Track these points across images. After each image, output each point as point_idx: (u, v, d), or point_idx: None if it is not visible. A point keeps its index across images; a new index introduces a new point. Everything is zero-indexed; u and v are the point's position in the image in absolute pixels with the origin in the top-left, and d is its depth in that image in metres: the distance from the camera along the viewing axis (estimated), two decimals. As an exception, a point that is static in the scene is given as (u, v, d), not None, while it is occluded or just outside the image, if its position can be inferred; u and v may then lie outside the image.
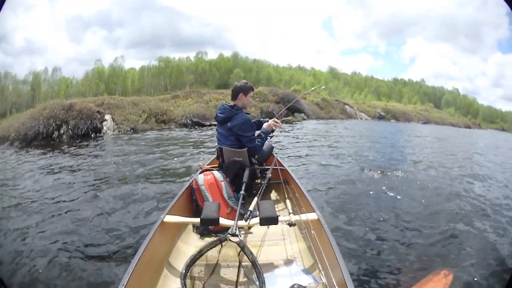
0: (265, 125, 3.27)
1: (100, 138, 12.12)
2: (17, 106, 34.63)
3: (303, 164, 6.74)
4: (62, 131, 12.14)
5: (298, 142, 10.62)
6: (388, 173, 6.08)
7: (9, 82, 42.07)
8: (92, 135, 12.40)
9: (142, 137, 11.77)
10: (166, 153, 8.04)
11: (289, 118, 20.31)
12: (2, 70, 42.07)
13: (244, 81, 3.07)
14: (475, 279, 2.57)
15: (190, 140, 10.80)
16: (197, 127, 15.00)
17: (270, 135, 3.37)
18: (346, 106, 33.21)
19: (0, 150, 10.70)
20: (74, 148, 9.76)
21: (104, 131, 12.98)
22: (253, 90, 3.06)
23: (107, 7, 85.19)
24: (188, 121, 15.65)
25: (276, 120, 3.34)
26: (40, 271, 2.70)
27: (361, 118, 32.26)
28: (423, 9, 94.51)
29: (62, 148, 9.94)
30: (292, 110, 21.45)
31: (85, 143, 10.74)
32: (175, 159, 7.19)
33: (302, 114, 22.50)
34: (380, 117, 35.89)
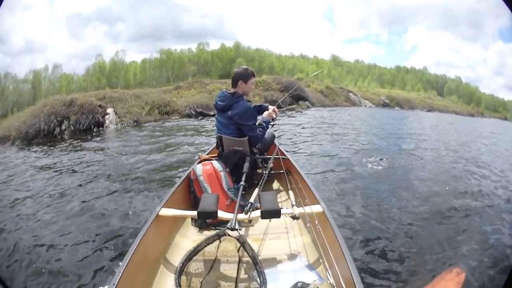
0: (265, 113, 3.17)
1: (102, 132, 11.95)
2: (19, 105, 34.52)
3: (307, 153, 6.64)
4: (63, 127, 11.94)
5: (302, 130, 10.49)
6: (397, 163, 5.96)
7: (9, 82, 42.03)
8: (94, 130, 12.19)
9: (145, 129, 11.64)
10: (169, 144, 7.97)
11: (294, 106, 19.93)
12: (2, 71, 42.05)
13: (245, 66, 2.94)
14: (488, 277, 2.53)
15: (194, 130, 10.66)
16: (201, 117, 14.73)
17: (272, 123, 3.31)
18: (350, 94, 32.89)
19: (2, 149, 10.59)
20: (76, 143, 9.67)
21: (106, 124, 12.72)
22: (254, 76, 2.92)
23: (107, 2, 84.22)
24: (192, 112, 15.34)
25: (275, 109, 3.25)
26: (33, 266, 2.72)
27: (365, 106, 31.92)
28: None
29: (64, 144, 9.83)
30: (296, 98, 21.16)
31: (87, 137, 10.64)
32: (179, 149, 7.08)
33: (307, 102, 22.11)
34: (384, 105, 35.35)
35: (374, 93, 39.11)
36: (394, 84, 59.71)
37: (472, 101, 58.91)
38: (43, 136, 11.41)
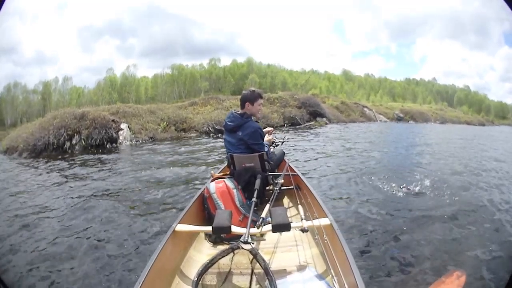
0: (265, 140, 3.33)
1: (116, 148, 11.25)
2: (28, 116, 34.67)
3: (323, 169, 6.68)
4: (74, 142, 11.29)
5: (321, 146, 10.40)
6: (403, 176, 6.01)
7: (19, 91, 42.45)
8: (108, 146, 11.50)
9: (162, 147, 10.95)
10: (188, 163, 7.53)
11: (312, 123, 19.83)
12: (12, 80, 42.63)
13: (252, 88, 3.08)
14: (488, 281, 2.53)
15: (213, 147, 10.00)
16: (219, 134, 13.91)
17: (282, 141, 3.92)
18: (365, 109, 32.76)
19: (9, 160, 10.25)
20: (88, 159, 9.05)
21: (120, 141, 12.01)
22: (261, 97, 3.06)
23: (118, 16, 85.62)
24: (210, 129, 14.66)
25: (270, 130, 3.66)
26: (46, 278, 2.73)
27: (380, 120, 31.88)
28: (430, 8, 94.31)
29: (75, 159, 9.22)
30: (314, 114, 20.92)
31: (100, 154, 9.98)
32: (198, 168, 6.77)
33: (324, 119, 21.74)
34: (399, 119, 35.16)
35: (387, 107, 39.25)
36: (405, 97, 60.90)
37: (481, 110, 60.15)
38: (52, 150, 10.83)
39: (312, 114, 20.69)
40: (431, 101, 59.05)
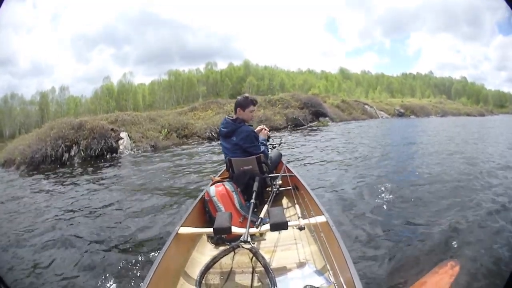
0: (261, 134, 3.45)
1: (117, 158, 10.81)
2: (26, 127, 34.54)
3: (323, 169, 6.69)
4: (73, 153, 10.82)
5: (324, 147, 10.30)
6: (401, 172, 6.16)
7: (16, 103, 42.43)
8: (108, 156, 11.05)
9: (164, 155, 10.58)
10: (192, 170, 7.35)
11: (315, 123, 19.72)
12: (9, 92, 42.71)
13: (246, 95, 3.15)
14: (481, 270, 2.53)
15: (216, 154, 9.67)
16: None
17: (278, 143, 4.08)
18: (366, 106, 33.05)
19: (5, 174, 9.86)
20: (87, 171, 8.69)
21: (120, 150, 11.55)
22: (253, 104, 3.10)
23: (112, 25, 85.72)
24: (213, 134, 14.22)
25: (264, 127, 3.63)
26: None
27: (382, 117, 32.23)
28: (422, 1, 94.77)
29: (73, 172, 8.85)
30: (316, 114, 20.81)
31: (100, 165, 9.56)
32: (201, 174, 6.66)
33: (327, 118, 21.67)
34: (400, 114, 35.82)
35: (388, 103, 39.70)
36: (403, 92, 61.48)
37: (480, 100, 61.29)
38: (51, 162, 10.36)
39: (314, 114, 20.58)
40: (430, 94, 59.59)
